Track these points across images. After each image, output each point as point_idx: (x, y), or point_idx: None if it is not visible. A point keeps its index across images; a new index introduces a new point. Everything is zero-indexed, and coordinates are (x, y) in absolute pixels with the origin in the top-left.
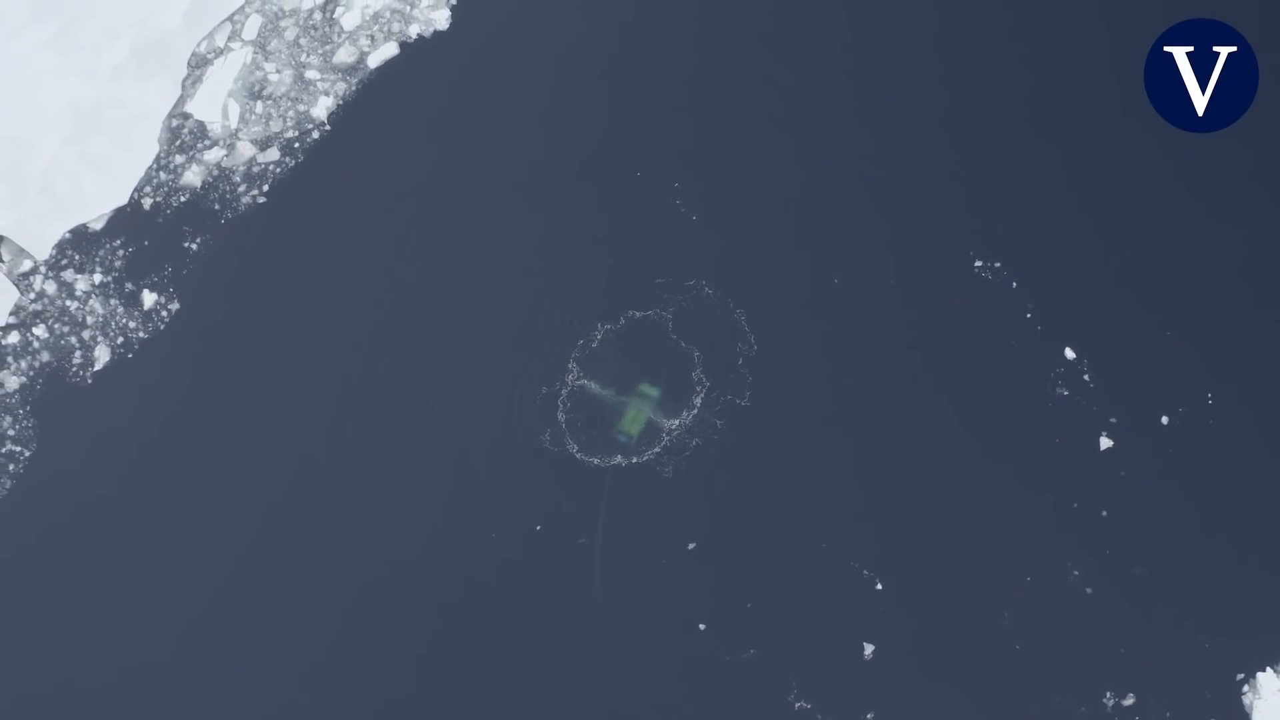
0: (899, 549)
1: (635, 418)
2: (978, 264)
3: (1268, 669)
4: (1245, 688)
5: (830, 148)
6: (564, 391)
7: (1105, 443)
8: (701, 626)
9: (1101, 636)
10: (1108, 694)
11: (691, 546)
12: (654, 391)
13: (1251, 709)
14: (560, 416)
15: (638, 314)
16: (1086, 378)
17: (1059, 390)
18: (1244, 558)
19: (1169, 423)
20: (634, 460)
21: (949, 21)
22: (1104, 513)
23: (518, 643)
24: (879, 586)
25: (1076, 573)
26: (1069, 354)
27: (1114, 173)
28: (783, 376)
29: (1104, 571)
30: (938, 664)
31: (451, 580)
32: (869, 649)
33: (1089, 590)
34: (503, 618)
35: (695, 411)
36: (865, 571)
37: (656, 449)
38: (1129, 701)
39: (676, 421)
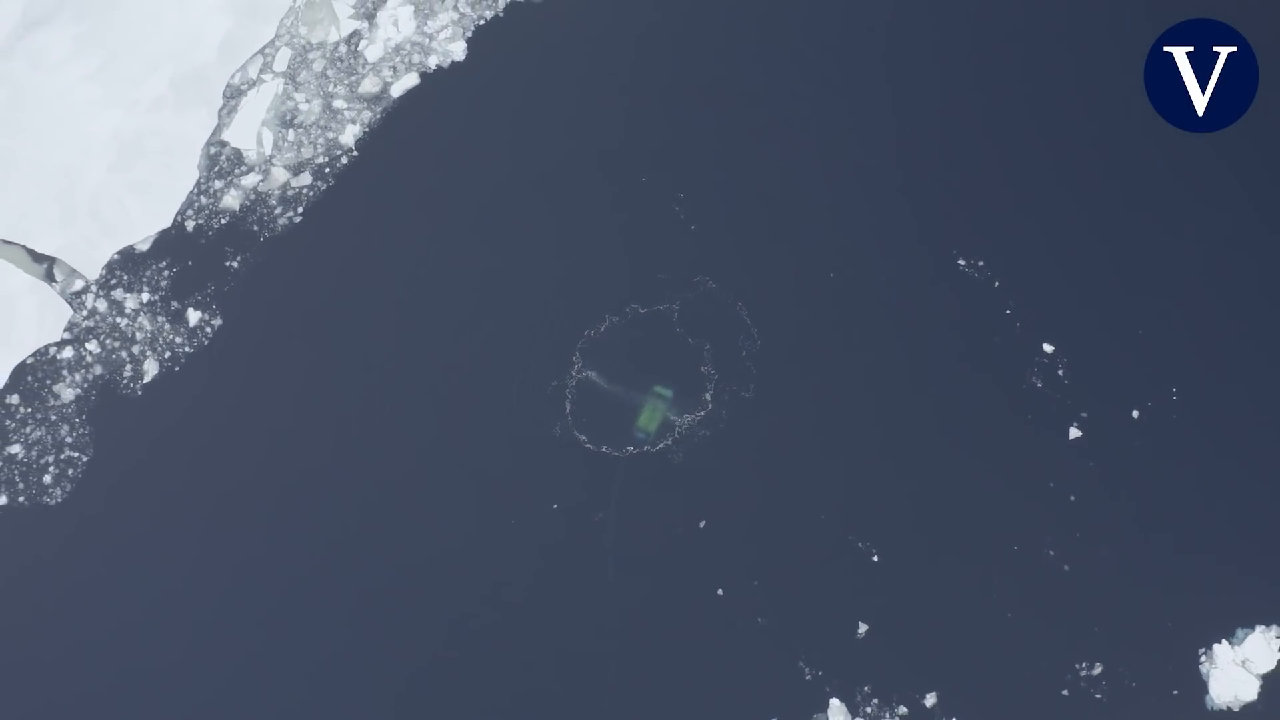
0: (891, 526)
1: (652, 416)
2: (961, 262)
3: (1223, 641)
4: (1203, 658)
5: (828, 148)
6: (573, 385)
7: (1074, 433)
8: (720, 591)
9: (1073, 610)
10: (1080, 663)
11: (702, 524)
12: (668, 392)
13: (1208, 677)
14: (569, 409)
15: (642, 309)
16: (1061, 372)
17: (1035, 383)
18: (1202, 541)
19: (1139, 416)
20: (646, 449)
21: (948, 22)
22: (1072, 497)
23: (542, 613)
24: (875, 559)
25: (1052, 553)
26: (1047, 348)
27: (1113, 172)
28: (783, 369)
29: (1076, 552)
30: (931, 634)
31: (476, 561)
32: (868, 616)
33: (1066, 568)
34: (528, 592)
35: (708, 408)
36: (860, 544)
37: (668, 440)
38: (1097, 670)
39: (689, 417)
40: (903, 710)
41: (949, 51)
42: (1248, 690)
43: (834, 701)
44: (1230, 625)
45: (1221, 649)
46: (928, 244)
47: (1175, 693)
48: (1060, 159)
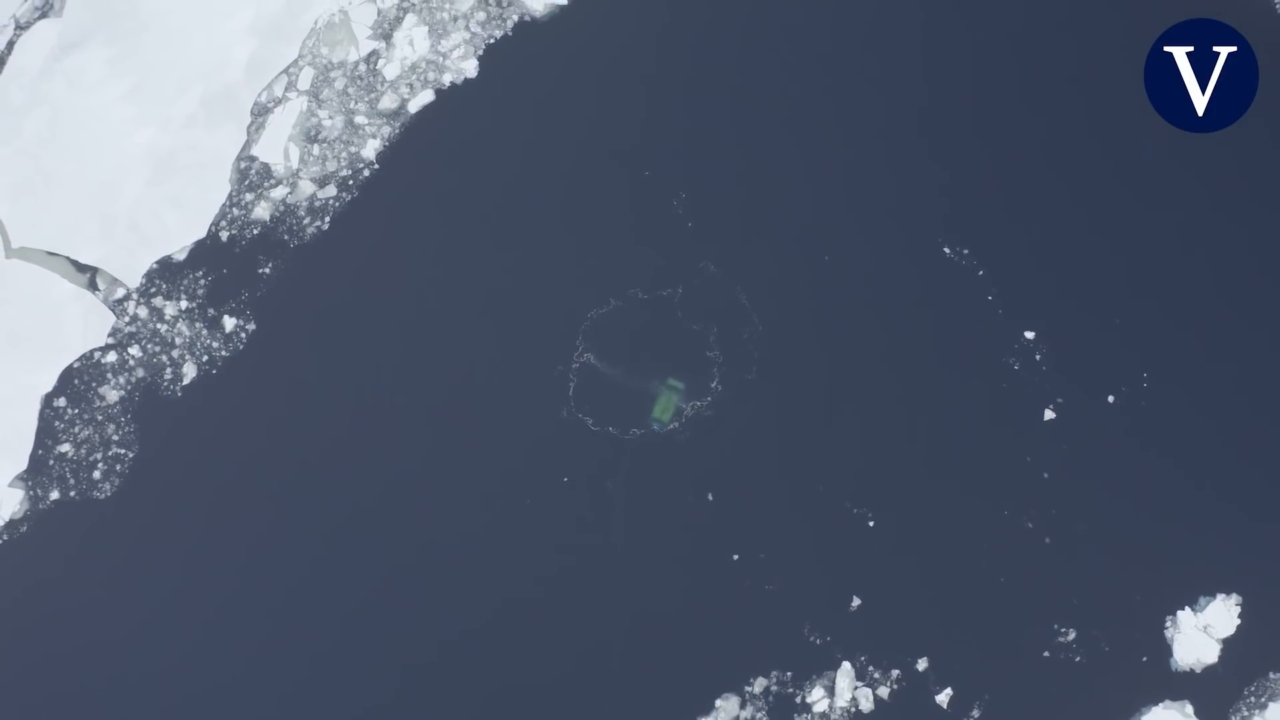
0: (884, 500)
1: (666, 407)
2: (947, 250)
3: (1187, 608)
4: (1168, 624)
5: (828, 144)
6: (576, 369)
7: (1049, 415)
8: (735, 557)
9: (1051, 581)
10: (1057, 628)
11: (710, 498)
12: (681, 385)
13: (1173, 641)
14: (574, 392)
15: (643, 295)
16: (1038, 358)
17: (1013, 366)
18: (1168, 517)
19: (1114, 401)
20: (654, 429)
21: (948, 21)
22: (1045, 475)
23: (557, 586)
24: (871, 524)
25: (1030, 525)
26: (1028, 335)
27: (1112, 172)
28: (782, 352)
29: (1053, 527)
30: (922, 602)
31: (496, 538)
32: (865, 584)
33: (1047, 540)
34: (544, 566)
35: (716, 395)
36: (855, 510)
37: (675, 424)
38: (1072, 636)
39: (698, 403)
40: (896, 673)
41: (948, 49)
42: (1209, 654)
43: (845, 664)
44: (1193, 594)
45: (1185, 615)
46: (923, 236)
47: (1144, 659)
48: (1059, 158)
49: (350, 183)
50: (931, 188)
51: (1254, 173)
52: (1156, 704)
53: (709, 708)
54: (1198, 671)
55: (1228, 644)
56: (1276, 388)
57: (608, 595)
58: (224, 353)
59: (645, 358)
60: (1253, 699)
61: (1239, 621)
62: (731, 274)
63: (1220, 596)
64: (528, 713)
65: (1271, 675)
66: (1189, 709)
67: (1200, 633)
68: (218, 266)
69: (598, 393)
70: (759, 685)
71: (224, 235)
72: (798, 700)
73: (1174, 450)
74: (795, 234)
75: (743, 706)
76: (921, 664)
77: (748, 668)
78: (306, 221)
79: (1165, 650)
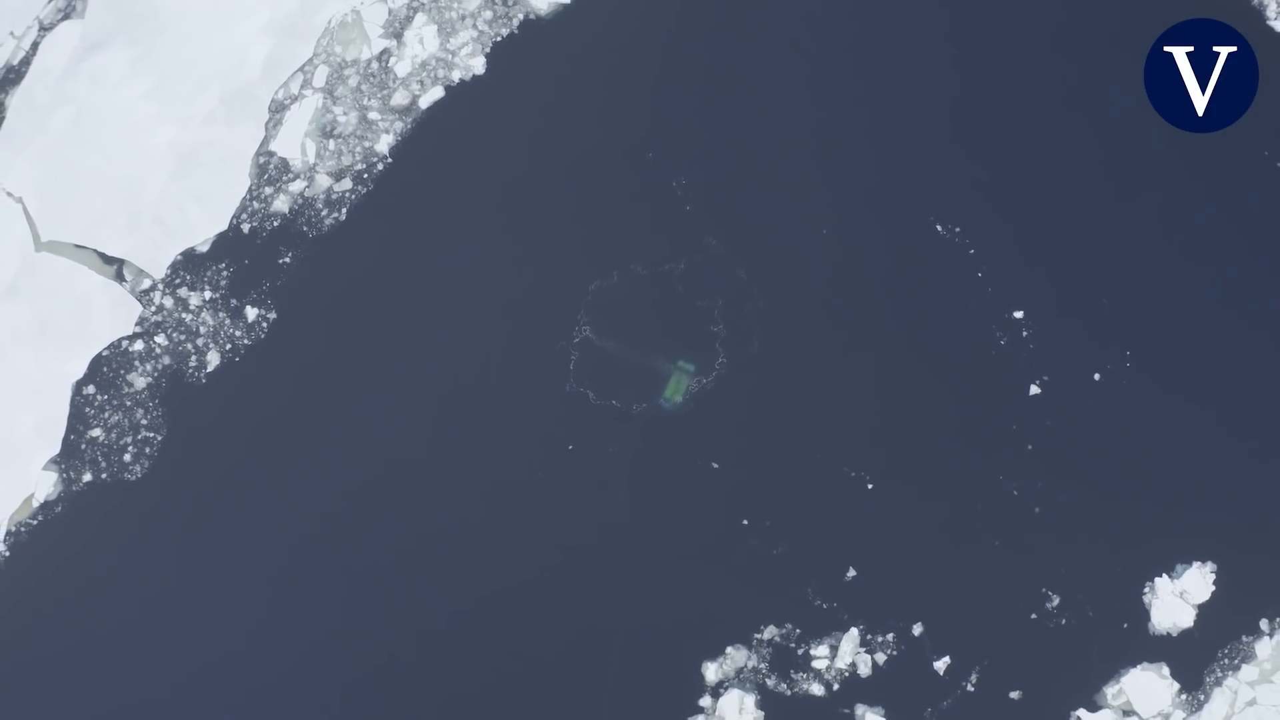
0: (880, 467)
1: (677, 387)
2: (958, 230)
3: (1164, 575)
4: (1146, 590)
5: (831, 127)
6: (578, 343)
7: (1034, 390)
8: (745, 522)
9: (1035, 549)
10: (1044, 593)
11: (715, 466)
12: (690, 366)
13: (1150, 607)
14: (574, 367)
15: (643, 270)
16: (1025, 334)
17: (1001, 343)
18: (1147, 488)
19: (1099, 379)
20: (664, 407)
21: (950, 20)
22: (1030, 446)
23: (570, 558)
24: (870, 486)
25: (1016, 493)
26: (1017, 315)
27: (1112, 172)
28: (782, 327)
29: (1038, 497)
30: (916, 569)
31: (509, 512)
32: (863, 552)
33: (1036, 509)
34: (556, 539)
35: (721, 372)
36: (853, 474)
37: (679, 398)
38: (1055, 603)
39: (704, 380)
40: (891, 637)
41: (949, 46)
42: (1185, 618)
43: (852, 630)
44: (1171, 561)
45: (1163, 582)
46: (918, 224)
47: (1124, 624)
48: (1059, 157)
49: (365, 176)
50: (930, 182)
51: (1253, 173)
52: (1135, 666)
53: (719, 653)
54: (1174, 635)
55: (1203, 609)
56: (1260, 373)
57: (621, 558)
58: (246, 341)
59: (647, 333)
60: (1226, 661)
61: (1214, 588)
62: (734, 249)
63: (1196, 564)
64: (548, 662)
65: (1244, 639)
66: (1166, 671)
67: (1177, 599)
68: (239, 258)
69: (599, 367)
70: (768, 633)
71: (245, 228)
72: (799, 654)
73: (1154, 425)
74: (795, 213)
75: (749, 658)
76: (916, 629)
77: (755, 622)
78: (324, 213)
79: (1144, 615)
